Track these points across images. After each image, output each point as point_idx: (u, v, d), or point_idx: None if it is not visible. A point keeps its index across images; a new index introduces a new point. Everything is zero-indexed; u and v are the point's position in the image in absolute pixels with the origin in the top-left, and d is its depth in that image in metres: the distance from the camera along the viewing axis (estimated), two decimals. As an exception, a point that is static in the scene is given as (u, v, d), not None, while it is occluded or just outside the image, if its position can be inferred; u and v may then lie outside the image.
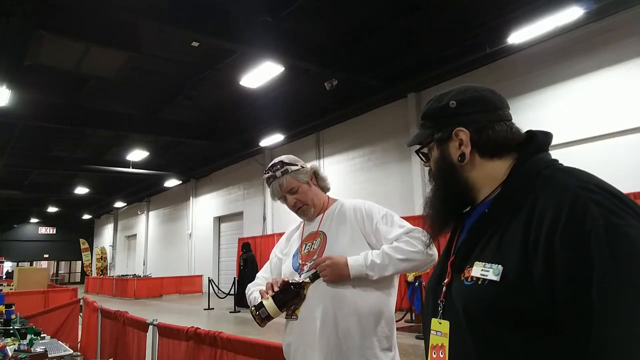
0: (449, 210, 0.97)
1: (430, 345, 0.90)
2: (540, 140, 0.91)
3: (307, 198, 1.77)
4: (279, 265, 1.86)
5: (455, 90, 0.99)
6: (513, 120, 0.96)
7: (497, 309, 0.76)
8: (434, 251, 1.56)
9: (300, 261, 1.72)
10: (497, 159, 0.92)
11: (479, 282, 0.80)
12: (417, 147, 1.06)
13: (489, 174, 0.92)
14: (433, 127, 0.99)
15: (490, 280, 0.78)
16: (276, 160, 1.81)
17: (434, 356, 0.88)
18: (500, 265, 0.77)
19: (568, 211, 0.72)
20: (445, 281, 0.91)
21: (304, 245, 1.76)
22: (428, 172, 1.04)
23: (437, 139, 0.97)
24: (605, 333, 0.65)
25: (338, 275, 1.55)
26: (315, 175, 1.84)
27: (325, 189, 1.87)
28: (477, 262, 0.82)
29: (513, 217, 0.81)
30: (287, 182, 1.75)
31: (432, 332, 0.90)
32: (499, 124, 0.93)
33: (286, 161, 1.78)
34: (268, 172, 1.79)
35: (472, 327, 0.80)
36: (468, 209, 0.98)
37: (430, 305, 0.95)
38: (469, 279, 0.82)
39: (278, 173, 1.75)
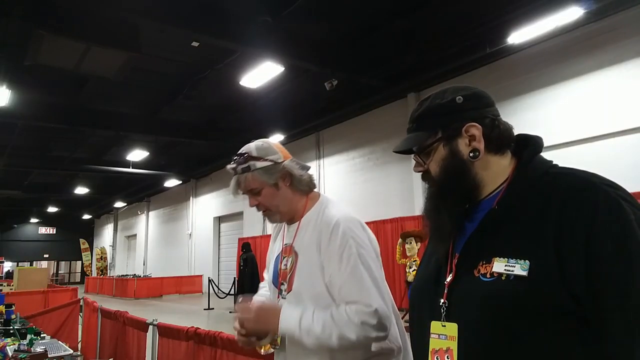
0: (456, 210, 0.92)
1: (430, 349, 0.87)
2: (538, 143, 0.93)
3: (270, 203, 1.47)
4: None
5: (452, 88, 0.97)
6: (514, 120, 0.98)
7: (526, 303, 0.75)
8: (387, 330, 1.30)
9: (279, 278, 1.49)
10: (501, 155, 0.93)
11: (503, 278, 0.78)
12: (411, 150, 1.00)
13: (494, 171, 0.92)
14: (436, 125, 0.94)
15: (517, 276, 0.77)
16: (244, 149, 1.50)
17: None
18: (527, 260, 0.77)
19: (604, 207, 0.74)
20: (448, 280, 0.87)
21: (283, 259, 1.50)
22: (422, 176, 0.98)
23: (445, 137, 0.93)
24: None
25: (266, 329, 1.33)
26: (290, 176, 1.48)
27: (304, 191, 1.52)
28: (497, 257, 0.80)
29: (531, 214, 0.81)
30: (246, 182, 1.45)
31: (432, 335, 0.86)
32: (501, 120, 0.94)
33: (254, 154, 1.46)
34: (231, 163, 1.49)
35: (495, 324, 0.77)
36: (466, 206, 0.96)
37: (425, 307, 0.91)
38: (488, 275, 0.80)
39: (239, 168, 1.46)
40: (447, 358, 0.83)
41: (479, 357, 0.80)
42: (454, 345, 0.83)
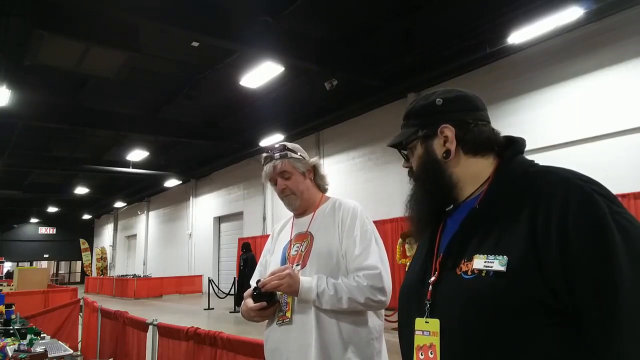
0: (433, 207, 0.98)
1: (415, 346, 0.89)
2: (520, 143, 0.96)
3: (296, 187, 1.72)
4: (268, 267, 1.80)
5: (440, 90, 1.02)
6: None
7: (505, 298, 0.76)
8: (388, 299, 1.53)
9: (288, 263, 1.67)
10: (480, 156, 0.96)
11: (483, 274, 0.79)
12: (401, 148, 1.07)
13: (473, 172, 0.95)
14: (417, 125, 1.01)
15: (496, 271, 0.78)
16: (280, 143, 1.77)
17: (421, 357, 0.87)
18: (505, 256, 0.78)
19: (577, 200, 0.76)
20: (432, 279, 0.90)
21: (293, 246, 1.70)
22: (408, 172, 1.05)
23: (422, 136, 0.99)
24: (631, 320, 0.69)
25: (290, 290, 1.51)
26: (314, 171, 1.79)
27: (322, 188, 1.82)
28: (477, 255, 0.82)
29: (509, 211, 0.83)
30: (281, 165, 1.71)
31: (417, 332, 0.89)
32: (482, 123, 0.97)
33: (289, 147, 1.76)
34: (268, 152, 1.76)
35: (476, 320, 0.79)
36: (450, 207, 0.99)
37: (412, 306, 0.94)
38: (469, 273, 0.82)
39: (276, 155, 1.72)
40: (431, 354, 0.85)
41: (461, 352, 0.81)
42: (436, 341, 0.85)
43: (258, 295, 1.54)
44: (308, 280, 1.51)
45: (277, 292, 1.58)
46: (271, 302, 1.56)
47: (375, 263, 1.53)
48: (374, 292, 1.48)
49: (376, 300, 1.49)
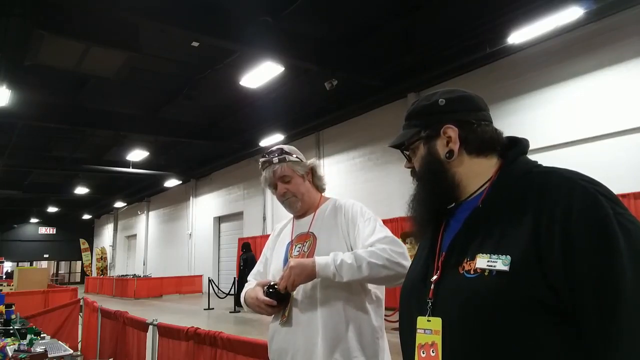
0: (436, 207, 0.98)
1: (417, 344, 0.89)
2: (524, 144, 0.96)
3: (297, 190, 1.73)
4: (268, 265, 1.81)
5: (442, 91, 1.02)
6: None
7: (508, 298, 0.76)
8: (409, 264, 1.45)
9: None
10: (483, 157, 0.95)
11: (486, 274, 0.79)
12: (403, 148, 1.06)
13: (475, 171, 0.95)
14: (419, 125, 1.00)
15: (499, 271, 0.78)
16: (276, 146, 1.77)
17: (423, 355, 0.87)
18: (508, 256, 0.78)
19: (580, 200, 0.75)
20: (434, 278, 0.90)
21: (295, 247, 1.70)
22: (411, 173, 1.05)
23: (425, 136, 0.99)
24: (631, 320, 0.69)
25: (305, 275, 1.48)
26: (313, 172, 1.79)
27: (320, 188, 1.83)
28: (480, 254, 0.82)
29: (512, 211, 0.83)
30: (281, 170, 1.71)
31: (418, 330, 0.89)
32: (485, 124, 0.97)
33: (286, 150, 1.75)
34: (265, 157, 1.75)
35: (478, 319, 0.79)
36: (452, 205, 0.99)
37: (413, 305, 0.94)
38: (472, 272, 0.82)
39: (275, 159, 1.72)
40: (432, 352, 0.85)
41: (463, 351, 0.81)
42: (438, 339, 0.85)
43: (274, 292, 1.53)
44: (324, 257, 1.50)
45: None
46: (282, 303, 1.56)
47: (387, 235, 1.54)
48: (394, 255, 1.46)
49: (397, 262, 1.45)
